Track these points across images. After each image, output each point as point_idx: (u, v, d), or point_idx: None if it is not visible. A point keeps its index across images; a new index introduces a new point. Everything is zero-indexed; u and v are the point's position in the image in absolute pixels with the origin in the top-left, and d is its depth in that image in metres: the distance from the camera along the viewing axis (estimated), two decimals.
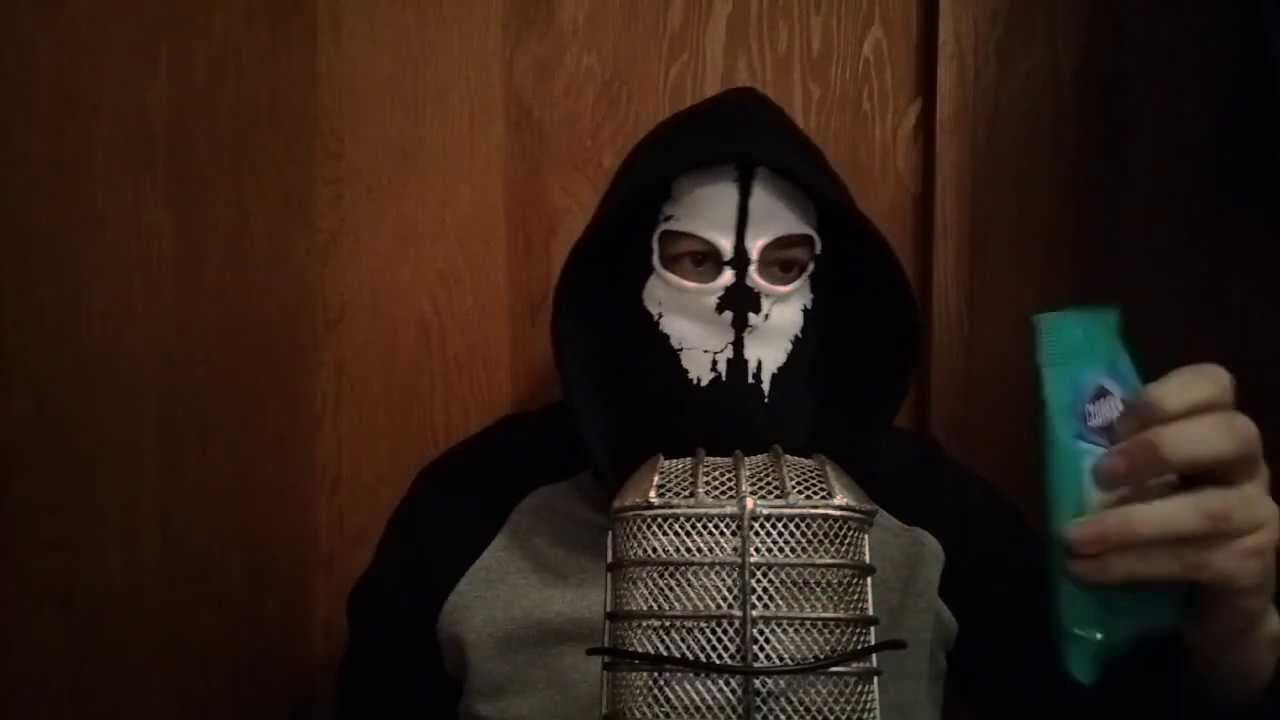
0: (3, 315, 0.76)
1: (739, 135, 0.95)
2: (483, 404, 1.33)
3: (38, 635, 0.80)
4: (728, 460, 0.68)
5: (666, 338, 0.92)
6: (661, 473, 0.68)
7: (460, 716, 1.00)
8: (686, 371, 0.91)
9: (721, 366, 0.90)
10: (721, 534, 0.65)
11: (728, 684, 0.63)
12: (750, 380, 0.90)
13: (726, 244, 0.90)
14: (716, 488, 0.66)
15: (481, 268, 1.33)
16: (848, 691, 0.64)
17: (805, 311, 0.93)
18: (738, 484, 0.65)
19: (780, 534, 0.64)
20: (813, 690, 0.64)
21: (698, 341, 0.91)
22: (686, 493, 0.66)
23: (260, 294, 1.15)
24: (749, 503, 0.64)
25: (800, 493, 0.65)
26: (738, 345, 0.90)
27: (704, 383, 0.91)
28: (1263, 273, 1.26)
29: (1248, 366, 1.25)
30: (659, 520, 0.66)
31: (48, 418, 0.80)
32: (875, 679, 0.66)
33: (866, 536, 0.68)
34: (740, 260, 0.90)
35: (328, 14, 1.31)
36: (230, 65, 1.08)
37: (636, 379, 0.96)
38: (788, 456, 0.69)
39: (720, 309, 0.90)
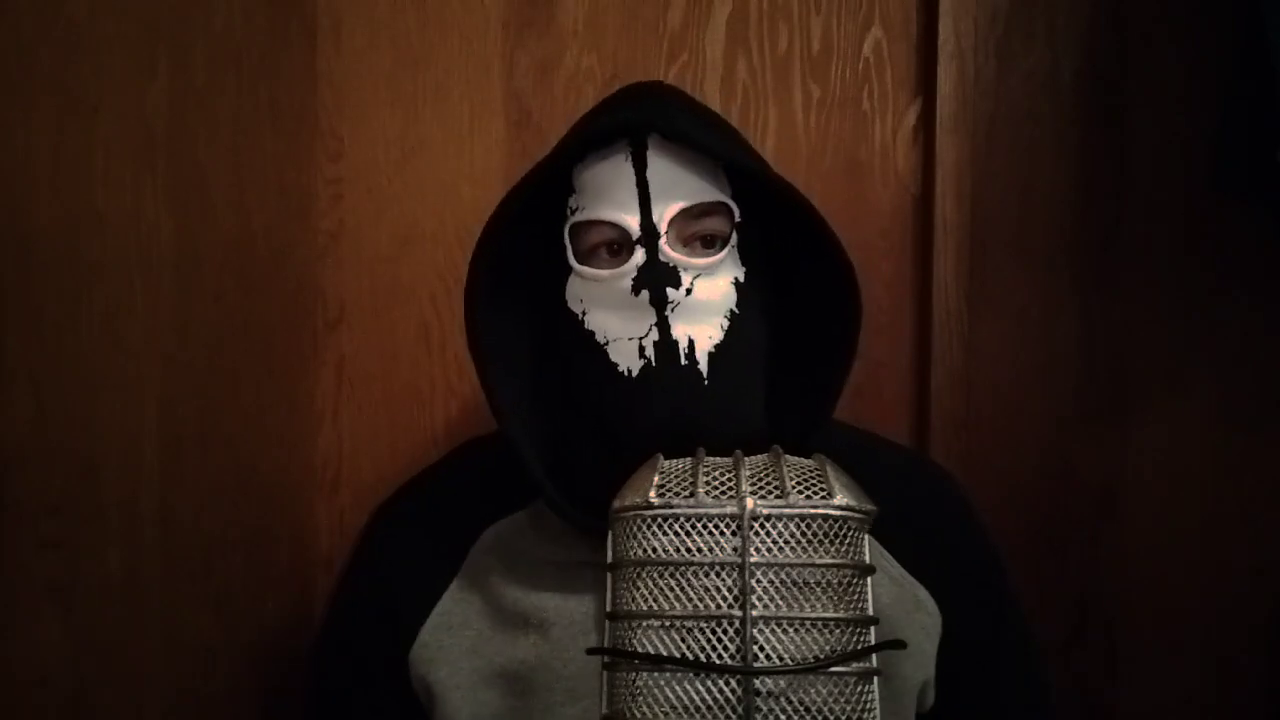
0: (3, 315, 0.76)
1: (627, 108, 0.90)
2: (483, 404, 1.32)
3: (38, 635, 0.80)
4: (728, 460, 0.68)
5: (591, 334, 0.87)
6: (661, 472, 0.68)
7: None
8: (615, 365, 0.86)
9: (650, 351, 0.85)
10: (721, 534, 0.65)
11: (728, 684, 0.63)
12: (684, 361, 0.85)
13: (633, 222, 0.85)
14: (716, 488, 0.66)
15: None
16: (847, 691, 0.64)
17: (737, 284, 0.87)
18: (738, 484, 0.65)
19: (780, 534, 0.64)
20: (813, 690, 0.64)
21: (621, 330, 0.86)
22: (686, 493, 0.66)
23: (260, 294, 1.15)
24: (749, 503, 0.64)
25: (800, 493, 0.66)
26: (662, 325, 0.85)
27: (634, 373, 0.85)
28: (1263, 273, 1.26)
29: (1248, 367, 1.26)
30: (659, 520, 0.66)
31: (48, 418, 0.80)
32: (875, 679, 0.66)
33: (866, 536, 0.68)
34: (649, 235, 0.85)
35: (328, 14, 1.30)
36: (230, 65, 1.08)
37: (572, 386, 0.90)
38: (788, 456, 0.69)
39: (636, 290, 0.85)
